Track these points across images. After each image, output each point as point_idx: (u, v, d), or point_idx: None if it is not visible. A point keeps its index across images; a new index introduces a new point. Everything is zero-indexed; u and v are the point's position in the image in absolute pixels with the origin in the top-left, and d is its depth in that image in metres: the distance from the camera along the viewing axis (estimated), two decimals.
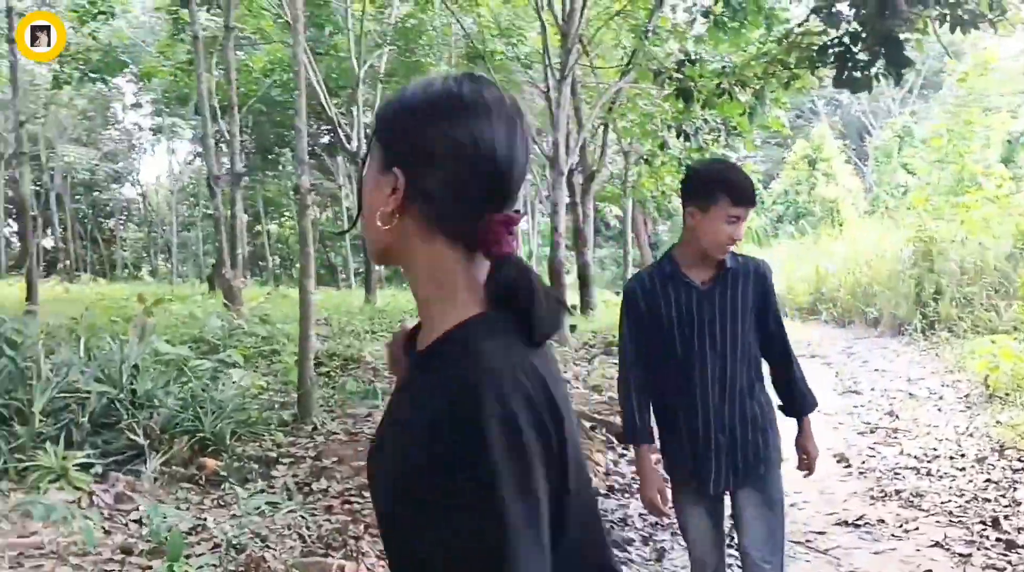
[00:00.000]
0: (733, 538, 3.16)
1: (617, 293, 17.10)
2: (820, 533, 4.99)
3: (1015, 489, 5.56)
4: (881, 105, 36.47)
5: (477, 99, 1.09)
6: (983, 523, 4.98)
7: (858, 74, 7.05)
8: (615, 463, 6.41)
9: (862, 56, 7.01)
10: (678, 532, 3.47)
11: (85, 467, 4.94)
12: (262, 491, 4.96)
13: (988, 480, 5.81)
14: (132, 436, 5.37)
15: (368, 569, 3.91)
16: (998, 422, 7.18)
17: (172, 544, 3.72)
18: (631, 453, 5.07)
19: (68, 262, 31.80)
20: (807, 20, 7.77)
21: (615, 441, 6.80)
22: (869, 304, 15.17)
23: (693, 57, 9.37)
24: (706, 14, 10.64)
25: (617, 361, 3.19)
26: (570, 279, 17.34)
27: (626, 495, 5.69)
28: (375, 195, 1.12)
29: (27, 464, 4.86)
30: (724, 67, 9.27)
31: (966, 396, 8.56)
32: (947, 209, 14.83)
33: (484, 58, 14.19)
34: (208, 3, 15.08)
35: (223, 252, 12.19)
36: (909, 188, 23.54)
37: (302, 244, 6.70)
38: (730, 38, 10.76)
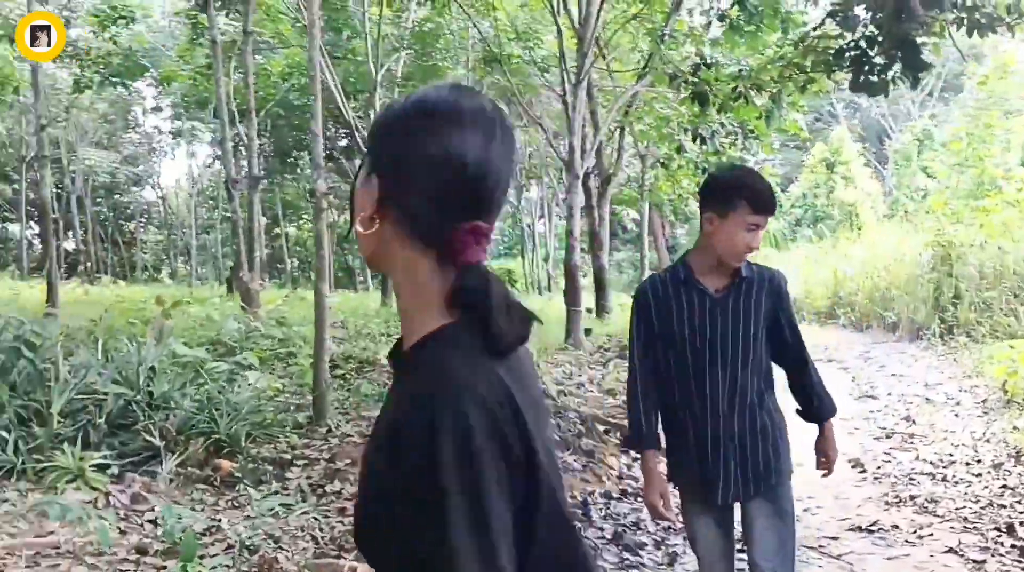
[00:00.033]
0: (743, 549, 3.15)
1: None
2: (833, 539, 4.98)
3: None
4: (901, 108, 36.23)
5: (453, 109, 1.11)
6: (998, 529, 4.96)
7: (875, 78, 7.04)
8: (628, 467, 6.41)
9: (878, 60, 6.99)
10: None
11: (102, 468, 4.99)
12: (276, 493, 5.00)
13: (1004, 486, 5.77)
14: (148, 437, 5.42)
15: None
16: (1015, 428, 7.12)
17: (186, 545, 3.76)
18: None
19: (89, 264, 32.05)
20: (823, 24, 7.75)
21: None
22: (887, 308, 15.08)
23: (709, 61, 9.37)
24: (722, 17, 10.60)
25: None
26: (587, 282, 17.33)
27: (639, 499, 5.68)
28: (360, 200, 1.16)
29: (45, 465, 4.92)
30: (740, 71, 9.26)
31: (984, 401, 8.50)
32: (966, 213, 14.73)
33: (501, 62, 14.20)
34: (227, 8, 15.18)
35: (241, 255, 12.27)
36: (928, 192, 23.35)
37: (317, 248, 6.76)
38: (746, 42, 10.72)
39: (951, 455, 6.70)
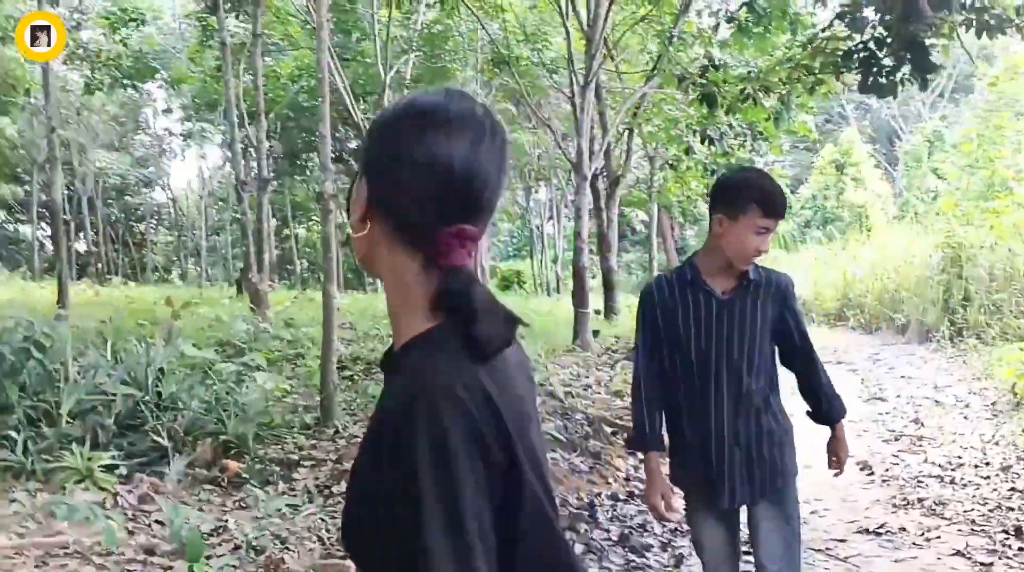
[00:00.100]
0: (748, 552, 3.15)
1: None
2: (841, 541, 4.97)
3: None
4: (911, 109, 36.08)
5: (440, 112, 1.12)
6: (1006, 532, 4.94)
7: (883, 79, 7.01)
8: (635, 468, 6.40)
9: (887, 61, 6.96)
10: None
11: (110, 468, 5.02)
12: (283, 493, 5.01)
13: (1012, 489, 5.75)
14: (156, 438, 5.45)
15: None
16: None
17: (192, 545, 3.78)
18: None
19: (99, 265, 32.18)
20: (832, 25, 7.72)
21: None
22: (897, 310, 15.03)
23: (717, 62, 9.35)
24: (731, 19, 10.60)
25: None
26: (595, 283, 17.31)
27: None
28: (354, 202, 1.17)
29: (53, 465, 4.95)
30: (749, 72, 9.24)
31: (993, 404, 8.46)
32: (977, 214, 14.64)
33: (509, 63, 14.19)
34: (237, 10, 15.24)
35: (250, 256, 12.31)
36: (939, 193, 23.24)
37: (325, 249, 6.78)
38: (755, 43, 10.73)
39: (959, 457, 6.68)
